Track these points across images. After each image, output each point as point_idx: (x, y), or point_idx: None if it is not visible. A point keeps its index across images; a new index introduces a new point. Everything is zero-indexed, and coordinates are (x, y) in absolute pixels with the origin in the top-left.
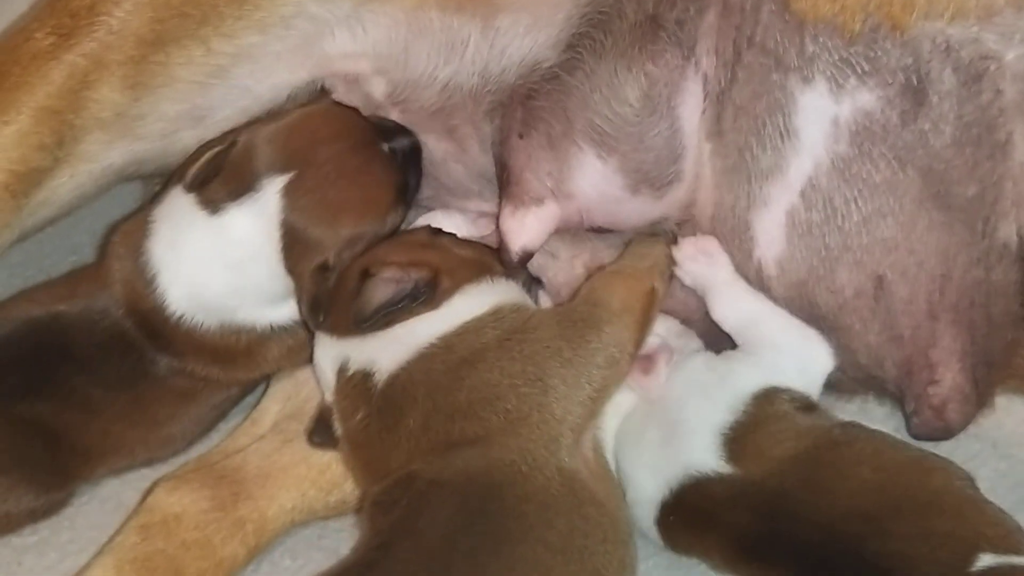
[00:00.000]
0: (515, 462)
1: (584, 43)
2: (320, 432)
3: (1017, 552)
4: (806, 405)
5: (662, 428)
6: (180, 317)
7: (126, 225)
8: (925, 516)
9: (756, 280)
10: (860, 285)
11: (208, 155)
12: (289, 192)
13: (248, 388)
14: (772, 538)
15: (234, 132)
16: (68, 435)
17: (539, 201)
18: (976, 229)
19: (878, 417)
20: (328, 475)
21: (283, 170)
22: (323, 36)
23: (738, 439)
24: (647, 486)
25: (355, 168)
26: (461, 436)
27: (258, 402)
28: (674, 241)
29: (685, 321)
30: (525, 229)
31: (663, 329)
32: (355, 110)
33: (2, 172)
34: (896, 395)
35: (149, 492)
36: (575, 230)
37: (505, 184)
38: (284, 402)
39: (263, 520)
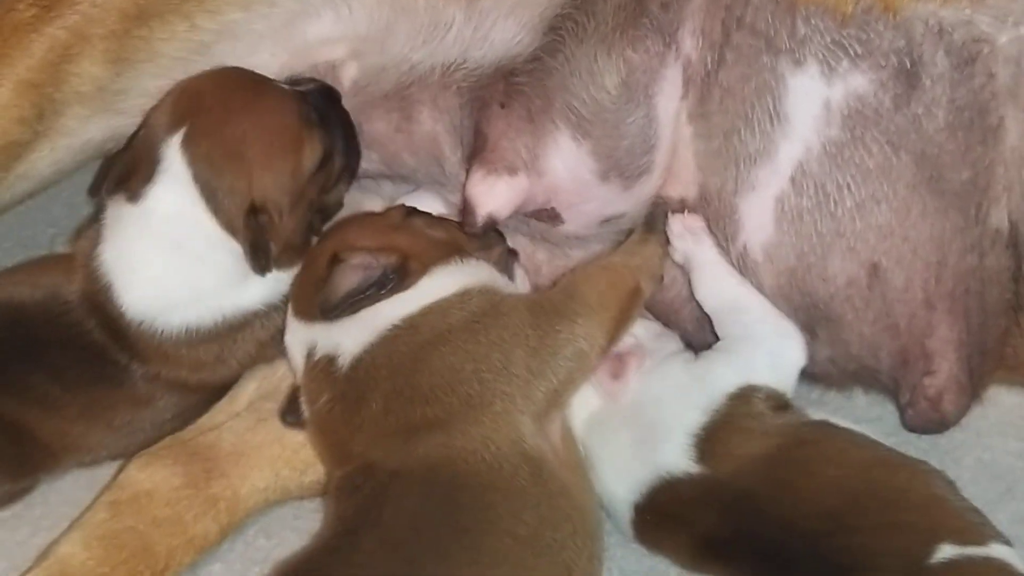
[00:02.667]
0: (477, 451)
1: (566, 25)
2: (291, 412)
3: (978, 542)
4: (780, 404)
5: (635, 430)
6: (141, 324)
7: (87, 230)
8: (887, 511)
9: (741, 265)
10: (853, 273)
11: (117, 153)
12: (187, 146)
13: (218, 394)
14: (738, 538)
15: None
16: (31, 430)
17: (512, 171)
18: (969, 215)
19: (861, 406)
20: (302, 455)
21: (176, 128)
22: (308, 16)
23: (709, 439)
24: (620, 488)
25: (245, 102)
26: (422, 420)
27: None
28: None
29: (674, 310)
30: (494, 196)
31: (641, 331)
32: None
33: None
34: (890, 387)
35: (122, 468)
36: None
37: (479, 150)
38: (260, 381)
39: (236, 498)
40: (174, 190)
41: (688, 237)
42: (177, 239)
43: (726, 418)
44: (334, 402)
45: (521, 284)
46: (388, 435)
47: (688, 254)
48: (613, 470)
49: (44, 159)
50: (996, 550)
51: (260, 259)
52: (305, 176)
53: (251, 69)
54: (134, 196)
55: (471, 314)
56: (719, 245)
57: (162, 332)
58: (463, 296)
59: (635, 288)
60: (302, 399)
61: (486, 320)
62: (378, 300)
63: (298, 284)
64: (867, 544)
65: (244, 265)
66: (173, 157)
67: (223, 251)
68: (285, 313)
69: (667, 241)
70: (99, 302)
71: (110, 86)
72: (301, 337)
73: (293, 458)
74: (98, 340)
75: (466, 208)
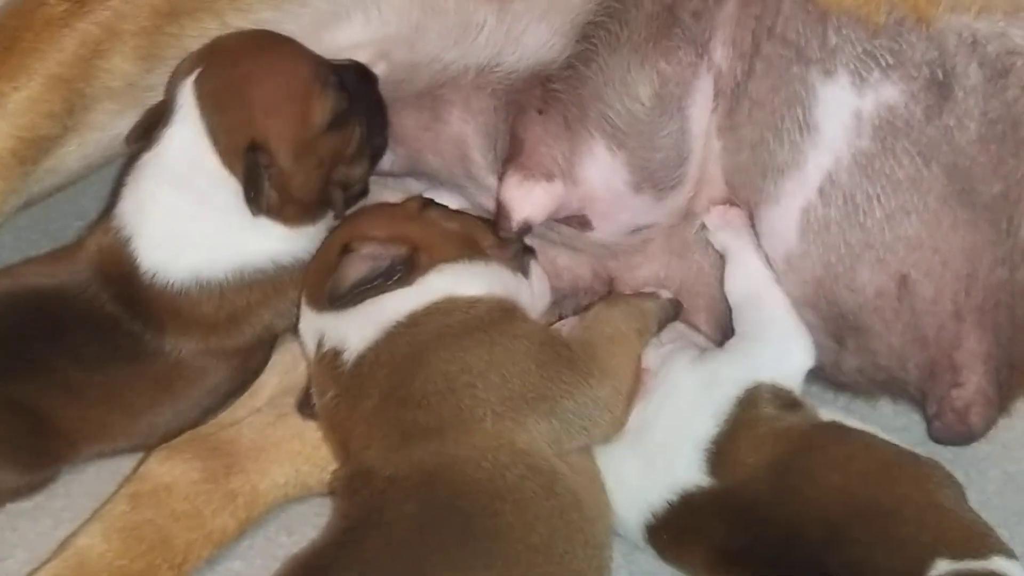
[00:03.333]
0: (473, 458)
1: (599, 34)
2: (307, 403)
3: (977, 556)
4: (789, 402)
5: (643, 453)
6: (155, 276)
7: (98, 223)
8: (886, 522)
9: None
10: (882, 284)
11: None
12: (198, 85)
13: (232, 377)
14: (748, 548)
15: None
16: (51, 417)
17: (549, 177)
18: (1000, 228)
19: (887, 415)
20: (322, 451)
21: (192, 70)
22: (338, 17)
23: (720, 449)
24: (632, 510)
25: (260, 49)
26: (414, 425)
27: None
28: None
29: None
30: (530, 201)
31: (647, 354)
32: None
33: (10, 138)
34: (917, 398)
35: (142, 461)
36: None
37: (515, 155)
38: (282, 375)
39: (255, 494)
40: (184, 129)
41: (728, 230)
42: (184, 176)
43: (736, 425)
44: (339, 398)
45: (538, 283)
46: (382, 436)
47: (726, 246)
48: (622, 494)
49: (73, 153)
50: (997, 564)
51: (252, 195)
52: (313, 130)
53: None
54: (151, 143)
55: (476, 320)
56: None
57: (173, 284)
58: (472, 301)
59: (639, 355)
60: (312, 392)
61: (493, 335)
62: (384, 291)
63: (310, 272)
64: (865, 559)
65: (244, 210)
66: (186, 97)
67: (225, 191)
68: (296, 281)
69: (673, 315)
70: (115, 267)
71: (140, 82)
72: (312, 325)
73: (313, 454)
74: (113, 313)
75: (500, 212)
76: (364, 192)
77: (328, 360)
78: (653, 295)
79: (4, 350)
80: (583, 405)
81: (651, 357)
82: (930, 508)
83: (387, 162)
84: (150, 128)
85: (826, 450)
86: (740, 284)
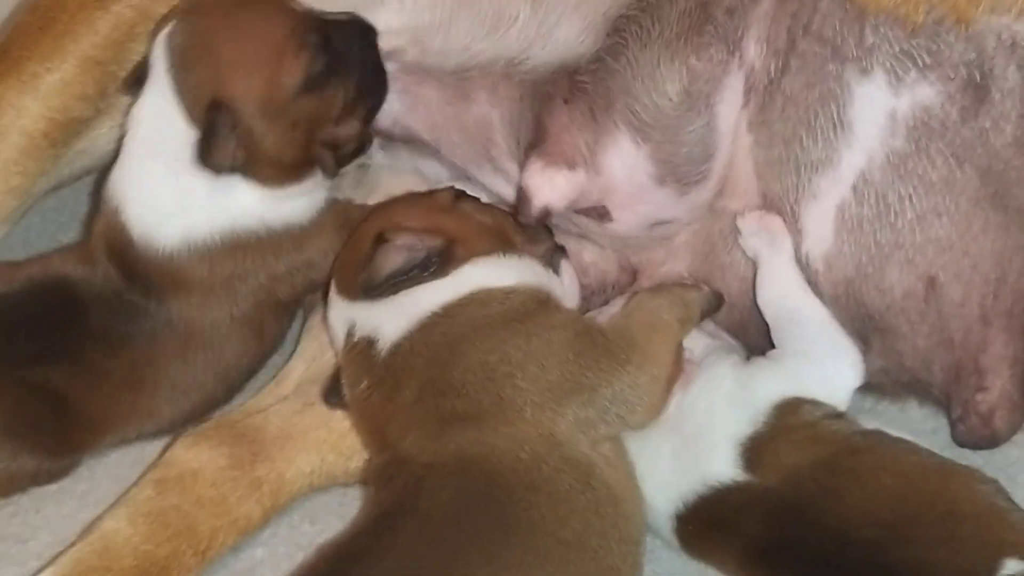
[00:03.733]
0: (511, 449)
1: (630, 28)
2: (334, 392)
3: None
4: (831, 415)
5: (677, 440)
6: (145, 241)
7: None
8: (945, 522)
9: (803, 276)
10: (910, 285)
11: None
12: (168, 39)
13: (246, 348)
14: (787, 546)
15: None
16: (76, 402)
17: (572, 165)
18: None
19: (916, 418)
20: (349, 440)
21: (167, 24)
22: (374, 4)
23: (757, 448)
24: (660, 498)
25: (235, 5)
26: (452, 413)
27: (285, 362)
28: (713, 294)
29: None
30: (552, 187)
31: (689, 343)
32: None
33: (43, 120)
34: (941, 400)
35: (168, 447)
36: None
37: (538, 142)
38: (309, 363)
39: (280, 482)
40: (154, 87)
41: (764, 236)
42: (156, 137)
43: (775, 428)
44: (372, 388)
45: (568, 281)
46: (420, 425)
47: (759, 254)
48: (653, 481)
49: (104, 136)
50: None
51: (208, 151)
52: (285, 91)
53: None
54: (135, 95)
55: (513, 311)
56: None
57: (163, 249)
58: (507, 292)
59: (680, 344)
60: (343, 382)
61: (529, 325)
62: (421, 282)
63: (342, 261)
64: (925, 557)
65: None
66: (158, 52)
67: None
68: (301, 248)
69: (715, 307)
70: (114, 239)
71: None
72: (342, 315)
73: (339, 443)
74: (119, 287)
75: (522, 198)
76: (361, 150)
77: (360, 350)
78: (696, 286)
79: (31, 336)
80: (620, 392)
81: (697, 346)
82: (988, 508)
83: (403, 126)
84: (140, 79)
85: (872, 452)
86: (775, 296)
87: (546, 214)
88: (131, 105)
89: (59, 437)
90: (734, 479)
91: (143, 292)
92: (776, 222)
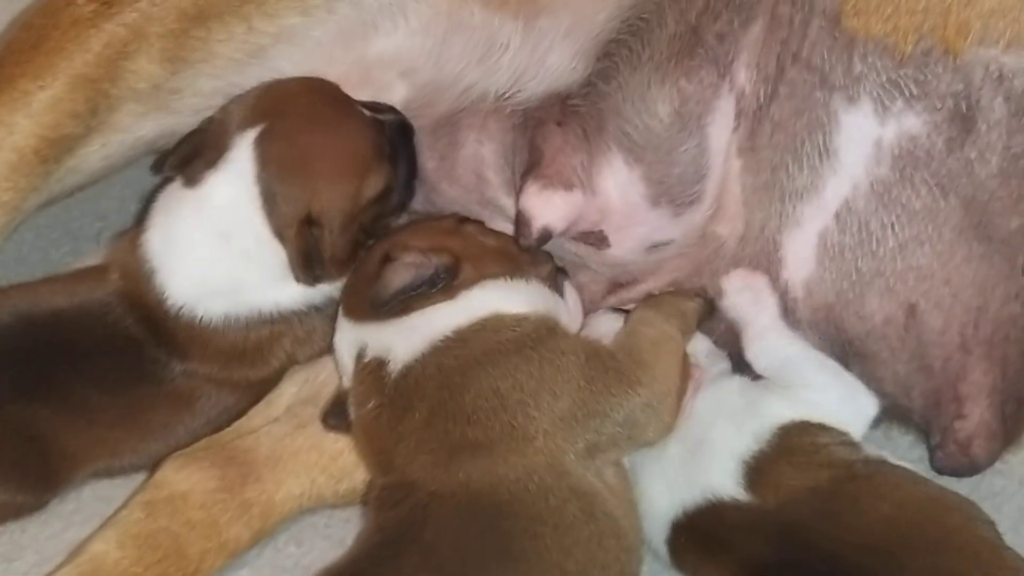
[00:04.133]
0: (521, 480)
1: (621, 52)
2: (335, 415)
3: None
4: (843, 441)
5: (684, 446)
6: (181, 309)
7: (121, 237)
8: (940, 554)
9: (781, 302)
10: (891, 313)
11: (188, 135)
12: (260, 144)
13: (251, 398)
14: (783, 568)
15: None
16: (59, 439)
17: (568, 186)
18: (1016, 263)
19: (903, 446)
20: (339, 463)
21: (254, 124)
22: (365, 26)
23: (760, 468)
24: (661, 502)
25: (327, 118)
26: (462, 440)
27: (277, 384)
28: (706, 301)
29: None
30: (551, 208)
31: (699, 347)
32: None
33: (33, 137)
34: (921, 426)
35: (157, 468)
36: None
37: (533, 165)
38: (301, 385)
39: (270, 504)
40: (235, 183)
41: (748, 295)
42: (227, 230)
43: (779, 448)
44: (381, 408)
45: (572, 303)
46: (429, 450)
47: (744, 312)
48: (657, 483)
49: (95, 154)
50: None
51: (310, 270)
52: (363, 203)
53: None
54: (193, 181)
55: (525, 338)
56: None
57: (201, 320)
58: (518, 318)
59: (685, 354)
60: (350, 402)
61: (541, 351)
62: (429, 300)
63: (350, 284)
64: None
65: (286, 269)
66: (243, 151)
67: (270, 253)
68: (322, 313)
69: (710, 313)
70: (139, 293)
71: (165, 84)
72: (351, 337)
73: (330, 466)
74: (136, 336)
75: (520, 221)
76: (385, 232)
77: (371, 370)
78: (688, 294)
79: (18, 371)
80: (632, 413)
81: (699, 348)
82: (981, 543)
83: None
84: (188, 159)
85: (871, 480)
86: (764, 351)
87: (546, 236)
88: (183, 181)
89: (39, 473)
90: (733, 496)
91: (165, 348)
92: (761, 281)
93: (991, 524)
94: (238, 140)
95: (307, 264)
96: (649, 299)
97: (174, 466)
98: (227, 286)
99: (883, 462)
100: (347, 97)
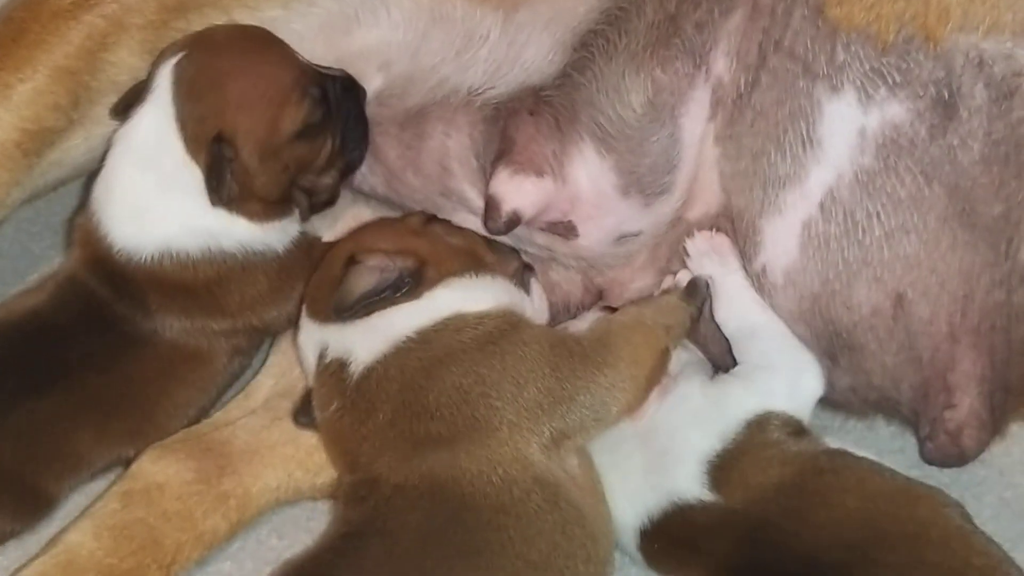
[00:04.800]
0: (484, 472)
1: (597, 42)
2: (305, 413)
3: None
4: (796, 430)
5: (647, 454)
6: (127, 252)
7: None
8: (913, 546)
9: (757, 286)
10: (878, 303)
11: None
12: (177, 68)
13: (236, 368)
14: (754, 568)
15: None
16: (62, 443)
17: (540, 173)
18: (1000, 250)
19: (884, 437)
20: (316, 457)
21: (175, 54)
22: (346, 18)
23: (724, 467)
24: (627, 512)
25: (245, 47)
26: (426, 435)
27: (254, 376)
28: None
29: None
30: (521, 194)
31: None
32: None
33: (15, 130)
34: (910, 418)
35: (134, 459)
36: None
37: (504, 152)
38: (278, 378)
39: (247, 496)
40: (156, 109)
41: (713, 257)
42: (150, 157)
43: (742, 446)
44: (343, 411)
45: (538, 300)
46: (393, 448)
47: (712, 274)
48: (621, 494)
49: (78, 147)
50: None
51: (213, 185)
52: (281, 136)
53: None
54: (125, 117)
55: (487, 335)
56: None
57: (143, 258)
58: (480, 316)
59: (665, 349)
60: (314, 403)
61: (503, 345)
62: (392, 303)
63: (313, 284)
64: None
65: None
66: (163, 79)
67: (189, 176)
68: (274, 274)
69: (699, 314)
70: (95, 250)
71: (146, 76)
72: (314, 338)
73: (307, 459)
74: (104, 298)
75: (490, 205)
76: (331, 202)
77: (332, 372)
78: (682, 298)
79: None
80: (597, 395)
81: (672, 359)
82: (954, 532)
83: (368, 183)
84: (131, 104)
85: (838, 474)
86: (733, 314)
87: (515, 220)
88: (119, 126)
89: (30, 501)
90: (699, 498)
91: (128, 302)
92: (724, 241)
93: (959, 508)
94: (161, 71)
95: (213, 178)
96: (641, 299)
97: (151, 457)
98: (158, 214)
99: (845, 454)
100: (280, 41)
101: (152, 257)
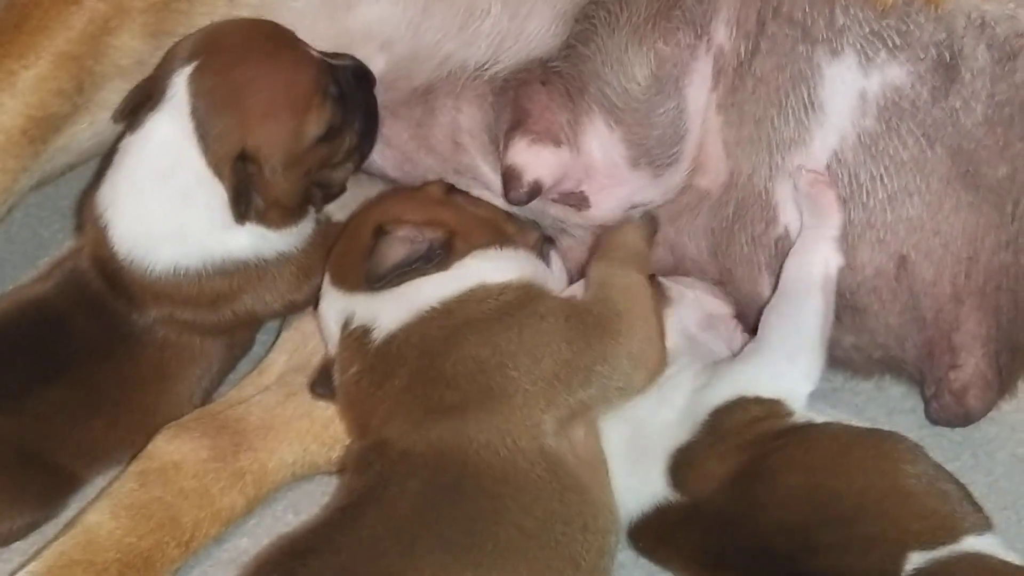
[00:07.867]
0: (491, 442)
1: (599, 14)
2: (322, 383)
3: (948, 540)
4: (771, 412)
5: (632, 455)
6: (131, 258)
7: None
8: (850, 523)
9: (779, 250)
10: (882, 264)
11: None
12: (194, 78)
13: (243, 347)
14: (721, 560)
15: None
16: (70, 436)
17: (557, 142)
18: (1005, 211)
19: (895, 396)
20: (331, 430)
21: (189, 61)
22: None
23: (687, 463)
24: (624, 511)
25: (262, 51)
26: (439, 403)
27: (267, 353)
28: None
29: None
30: (540, 162)
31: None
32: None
33: (20, 116)
34: (916, 377)
35: (150, 439)
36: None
37: (519, 123)
38: (291, 354)
39: (263, 472)
40: (172, 121)
41: (812, 202)
42: (166, 169)
43: (705, 438)
44: (362, 374)
45: (557, 271)
46: (405, 413)
47: (804, 221)
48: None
49: (84, 132)
50: (969, 543)
51: (240, 206)
52: (306, 142)
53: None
54: (136, 125)
55: (506, 306)
56: (755, 232)
57: (150, 271)
58: (502, 287)
59: (650, 279)
60: (335, 369)
61: (520, 317)
62: (424, 274)
63: (337, 254)
64: (838, 564)
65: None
66: (179, 88)
67: (209, 191)
68: (288, 273)
69: (655, 228)
70: (100, 249)
71: (149, 60)
72: (339, 306)
73: (322, 433)
74: (101, 292)
75: (510, 175)
76: (343, 190)
77: (356, 337)
78: (628, 225)
79: (14, 374)
80: (617, 365)
81: (674, 337)
82: (894, 496)
83: (376, 166)
84: (138, 106)
85: (783, 451)
86: (801, 271)
87: (536, 190)
88: (128, 129)
89: (49, 488)
90: (666, 497)
91: (124, 299)
92: (828, 195)
93: (917, 460)
94: (175, 78)
95: (240, 199)
96: (598, 250)
97: (166, 436)
98: (172, 231)
99: (800, 426)
100: (292, 35)
101: (162, 273)
